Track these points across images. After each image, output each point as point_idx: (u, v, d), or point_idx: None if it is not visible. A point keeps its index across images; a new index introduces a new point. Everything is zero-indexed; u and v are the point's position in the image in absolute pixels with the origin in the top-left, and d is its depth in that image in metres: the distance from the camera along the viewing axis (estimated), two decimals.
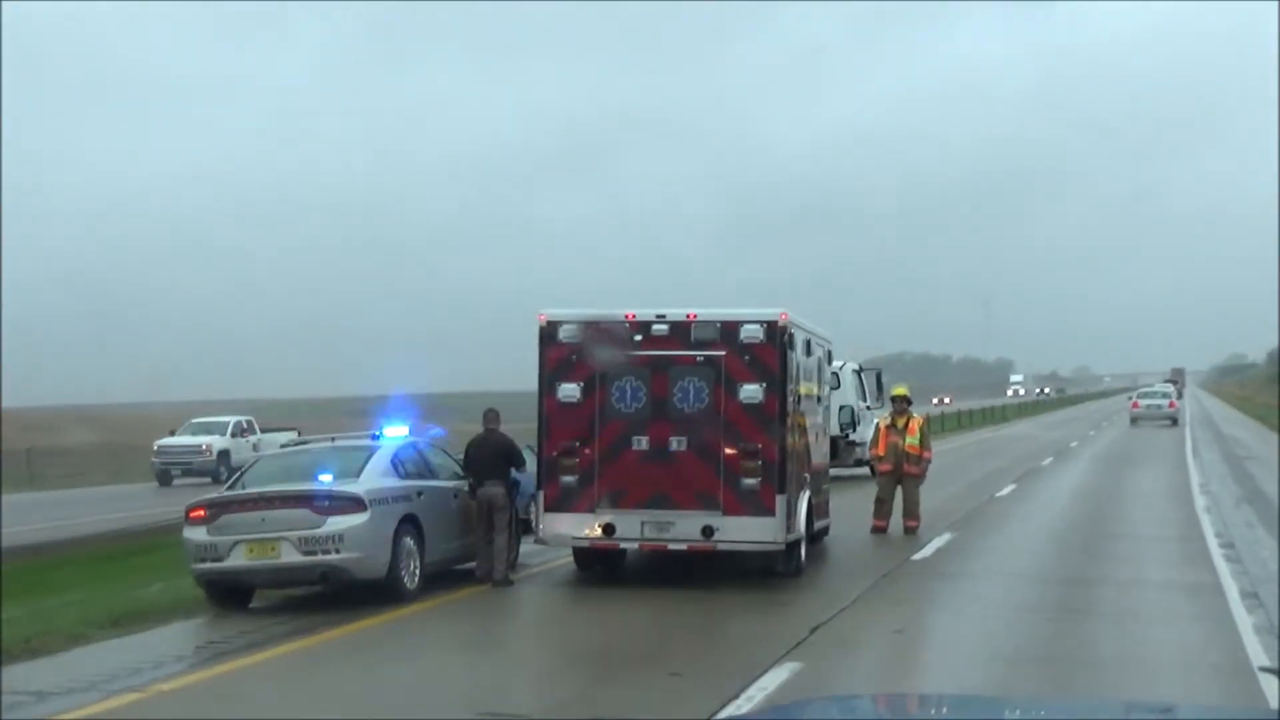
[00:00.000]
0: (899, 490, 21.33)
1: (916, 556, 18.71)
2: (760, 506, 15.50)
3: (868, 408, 33.11)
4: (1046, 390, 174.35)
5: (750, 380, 15.61)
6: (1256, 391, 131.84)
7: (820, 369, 18.54)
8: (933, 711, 5.44)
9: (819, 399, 18.51)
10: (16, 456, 47.76)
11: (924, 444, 21.47)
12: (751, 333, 15.67)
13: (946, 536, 20.78)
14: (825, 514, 18.99)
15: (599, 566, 16.76)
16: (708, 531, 15.53)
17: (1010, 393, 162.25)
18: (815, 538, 18.90)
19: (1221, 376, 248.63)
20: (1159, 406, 65.89)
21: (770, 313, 15.82)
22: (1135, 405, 68.16)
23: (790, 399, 15.97)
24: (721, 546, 15.67)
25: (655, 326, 15.87)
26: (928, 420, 26.62)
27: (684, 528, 15.62)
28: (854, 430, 29.86)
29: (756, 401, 15.57)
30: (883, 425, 21.82)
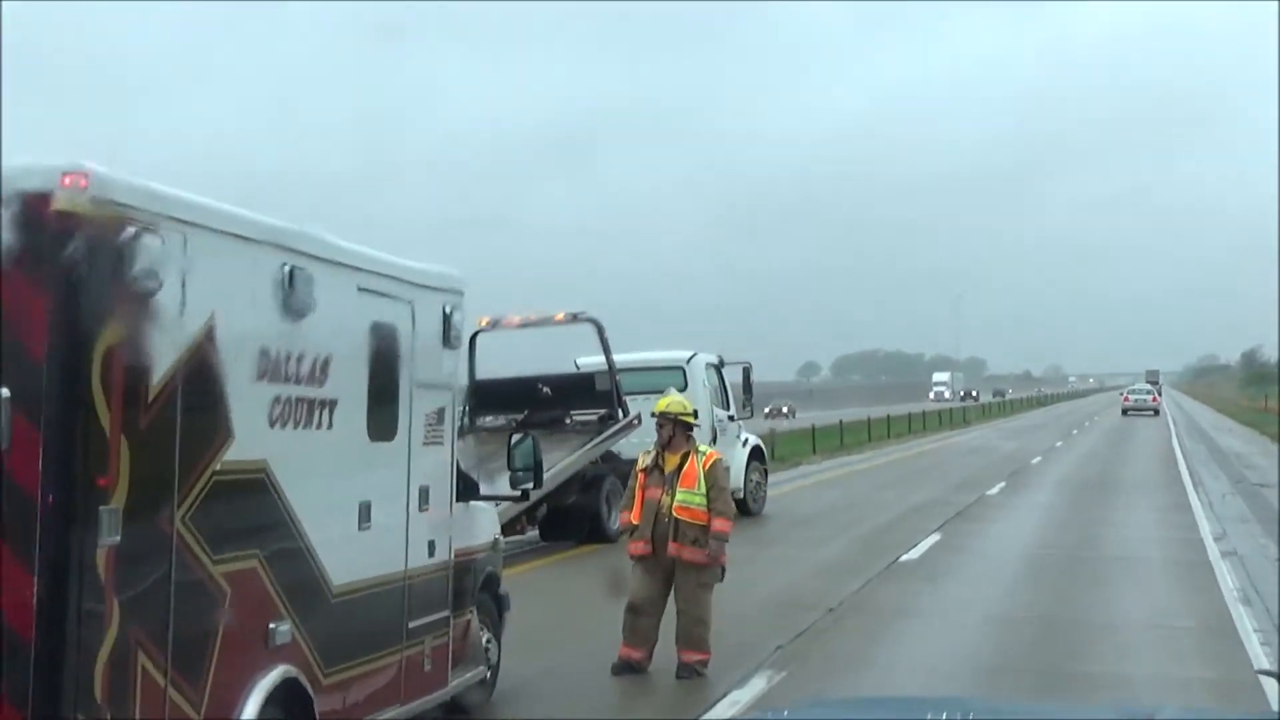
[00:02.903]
0: (672, 592, 10.91)
1: None
2: None
3: (730, 418, 22.90)
4: (975, 393, 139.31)
5: None
6: (1234, 393, 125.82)
7: (408, 349, 7.87)
8: (930, 714, 4.87)
9: (398, 418, 7.89)
10: None
11: (716, 504, 10.85)
12: None
13: (757, 687, 10.38)
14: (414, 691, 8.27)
15: None
16: None
17: (932, 395, 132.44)
18: (456, 706, 8.66)
19: (1195, 378, 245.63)
20: (1145, 400, 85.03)
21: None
22: (1126, 399, 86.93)
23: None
24: None
25: None
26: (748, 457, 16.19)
27: None
28: (534, 482, 17.60)
29: None
30: (640, 469, 11.17)
